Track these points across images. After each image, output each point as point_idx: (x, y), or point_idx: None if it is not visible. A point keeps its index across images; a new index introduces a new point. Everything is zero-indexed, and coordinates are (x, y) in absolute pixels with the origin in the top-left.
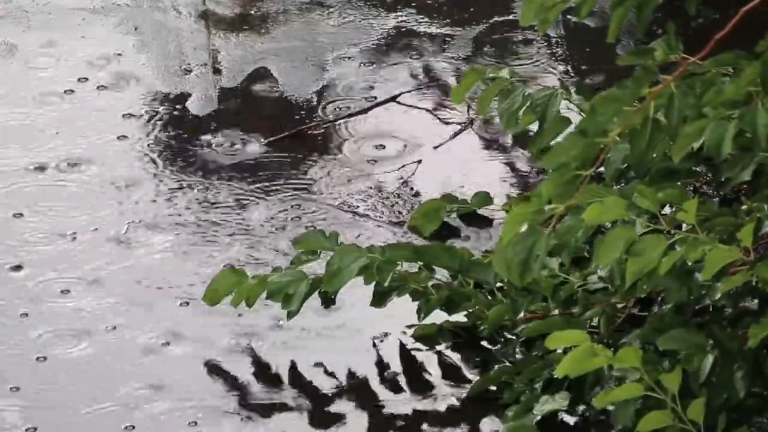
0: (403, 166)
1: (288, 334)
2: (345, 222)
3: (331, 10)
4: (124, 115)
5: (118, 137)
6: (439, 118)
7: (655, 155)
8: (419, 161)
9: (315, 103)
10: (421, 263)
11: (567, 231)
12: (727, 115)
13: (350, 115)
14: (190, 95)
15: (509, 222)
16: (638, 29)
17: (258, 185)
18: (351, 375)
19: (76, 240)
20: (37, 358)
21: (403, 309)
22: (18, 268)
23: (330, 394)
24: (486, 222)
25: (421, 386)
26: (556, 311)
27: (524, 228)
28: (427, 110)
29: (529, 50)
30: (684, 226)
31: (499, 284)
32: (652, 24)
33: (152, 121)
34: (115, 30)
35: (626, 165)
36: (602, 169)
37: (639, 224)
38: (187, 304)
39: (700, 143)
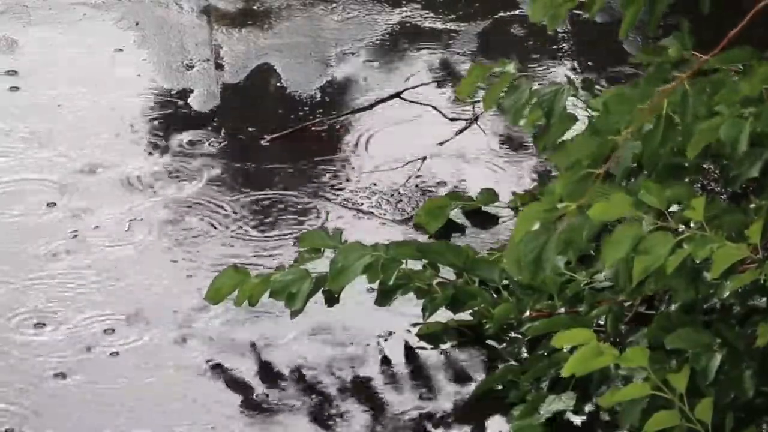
0: (408, 162)
1: (290, 333)
2: (349, 219)
3: (334, 5)
4: (125, 113)
5: (117, 134)
6: (443, 115)
7: (661, 151)
8: (424, 158)
9: (318, 99)
10: (426, 261)
11: (573, 229)
12: (742, 113)
13: (354, 112)
14: (192, 91)
15: (521, 220)
16: (650, 27)
17: (260, 183)
18: (355, 374)
19: (77, 237)
20: None
21: (407, 307)
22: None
23: (334, 394)
24: (491, 219)
25: (425, 385)
26: (562, 309)
27: (536, 226)
28: (432, 106)
29: (535, 46)
30: (692, 223)
31: (504, 282)
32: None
33: (154, 118)
34: (116, 25)
35: (635, 163)
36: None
37: (646, 222)
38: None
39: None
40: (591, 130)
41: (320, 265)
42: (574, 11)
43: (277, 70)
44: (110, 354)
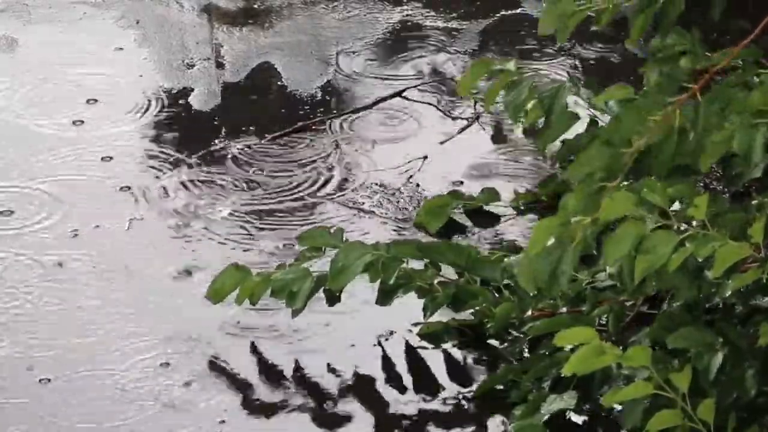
0: (409, 161)
1: (292, 332)
2: (350, 218)
3: (335, 3)
4: (126, 111)
5: (117, 133)
6: (445, 114)
7: (672, 162)
8: (425, 157)
9: (319, 98)
10: (427, 260)
11: (587, 242)
12: (754, 123)
13: (355, 110)
14: (192, 90)
15: (535, 235)
16: (660, 34)
17: (261, 181)
18: (356, 374)
19: (78, 236)
20: None
21: (408, 307)
22: None
23: (335, 394)
24: (493, 218)
25: (427, 385)
26: (564, 309)
27: (551, 241)
28: (433, 105)
29: (536, 45)
30: (694, 222)
31: (506, 282)
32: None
33: (154, 117)
34: (116, 24)
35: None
36: None
37: (648, 220)
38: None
39: None
40: (602, 141)
41: (321, 264)
42: None
43: (278, 69)
44: None
